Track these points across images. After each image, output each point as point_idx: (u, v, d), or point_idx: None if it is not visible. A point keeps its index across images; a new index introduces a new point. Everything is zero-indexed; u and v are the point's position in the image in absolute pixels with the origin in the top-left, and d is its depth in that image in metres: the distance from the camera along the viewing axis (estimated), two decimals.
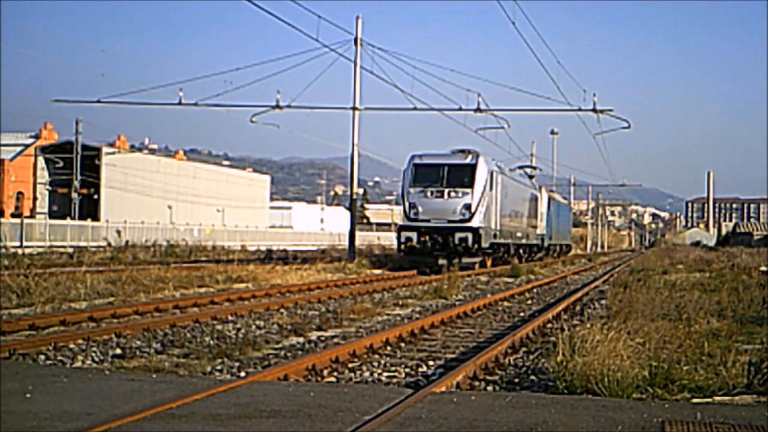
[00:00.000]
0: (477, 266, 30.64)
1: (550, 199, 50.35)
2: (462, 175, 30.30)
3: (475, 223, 29.92)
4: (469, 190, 30.03)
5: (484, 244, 30.35)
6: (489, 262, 32.89)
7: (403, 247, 30.50)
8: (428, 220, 29.87)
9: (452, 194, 30.01)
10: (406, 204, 30.40)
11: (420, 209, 29.97)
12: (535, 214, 44.06)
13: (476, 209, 29.98)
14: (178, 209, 67.42)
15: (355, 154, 34.51)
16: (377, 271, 29.57)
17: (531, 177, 50.12)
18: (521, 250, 39.57)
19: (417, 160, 30.91)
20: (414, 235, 29.83)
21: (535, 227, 43.97)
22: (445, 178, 30.13)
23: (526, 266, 33.90)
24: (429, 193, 30.05)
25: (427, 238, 29.71)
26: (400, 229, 30.85)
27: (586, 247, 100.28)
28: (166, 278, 19.41)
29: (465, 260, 29.89)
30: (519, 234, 38.40)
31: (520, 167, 48.90)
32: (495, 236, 32.24)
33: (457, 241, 29.57)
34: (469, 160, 30.79)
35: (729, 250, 54.68)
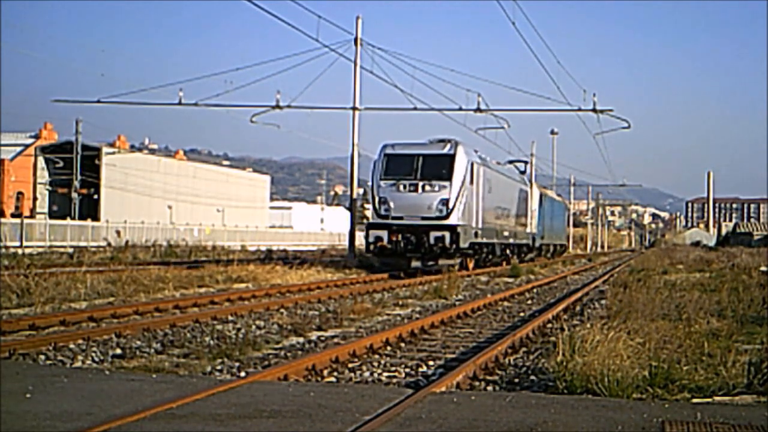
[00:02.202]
0: (456, 269, 27.27)
1: (542, 195, 47.39)
2: (439, 167, 27.25)
3: (452, 220, 26.97)
4: (446, 184, 26.99)
5: (463, 244, 27.37)
6: (471, 264, 29.96)
7: (372, 247, 27.26)
8: (401, 217, 26.85)
9: (427, 188, 26.95)
10: (376, 199, 27.35)
11: (391, 205, 26.94)
12: (525, 211, 41.00)
13: (454, 205, 27.01)
14: (178, 209, 67.43)
15: (355, 154, 34.48)
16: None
17: (522, 172, 45.99)
18: (508, 251, 36.65)
19: (389, 150, 27.88)
20: (384, 234, 26.77)
21: (524, 225, 40.96)
22: (420, 170, 27.12)
23: (526, 266, 33.71)
24: (402, 187, 26.98)
25: (400, 237, 26.67)
26: (369, 227, 27.71)
27: (586, 247, 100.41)
28: (166, 278, 19.42)
29: (442, 262, 26.94)
30: (506, 233, 35.54)
31: (511, 162, 45.02)
32: (476, 235, 29.35)
33: (432, 241, 26.58)
34: (446, 149, 27.67)
35: (729, 250, 54.71)
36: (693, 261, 38.48)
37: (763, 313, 13.97)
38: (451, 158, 27.49)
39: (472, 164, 28.49)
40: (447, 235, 26.67)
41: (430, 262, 27.01)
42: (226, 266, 24.13)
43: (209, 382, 7.83)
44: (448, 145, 27.92)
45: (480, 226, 29.81)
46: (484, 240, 30.93)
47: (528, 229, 42.05)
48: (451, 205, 26.98)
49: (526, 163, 48.47)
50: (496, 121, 36.88)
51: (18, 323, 11.97)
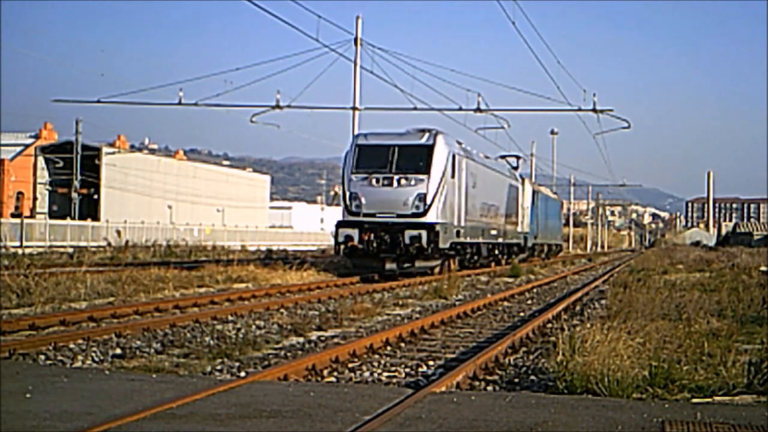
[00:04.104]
0: (436, 271, 25.23)
1: (534, 192, 44.74)
2: (416, 159, 24.67)
3: (430, 217, 24.35)
4: (424, 177, 24.39)
5: (443, 244, 24.70)
6: (454, 266, 26.85)
7: (342, 247, 24.73)
8: (373, 215, 24.33)
9: (403, 182, 24.37)
10: (346, 194, 24.89)
11: (363, 200, 24.45)
12: (515, 208, 38.61)
13: (433, 201, 24.39)
14: (178, 209, 67.45)
15: None
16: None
17: (515, 168, 42.69)
18: (497, 251, 34.31)
19: (361, 140, 25.48)
20: (355, 233, 24.24)
21: (515, 224, 38.53)
22: (395, 162, 24.55)
23: (526, 266, 33.72)
24: (375, 181, 24.49)
25: (372, 236, 24.16)
26: (338, 225, 25.02)
27: (586, 247, 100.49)
28: (166, 278, 19.42)
29: (419, 264, 24.65)
30: (493, 232, 33.16)
31: (502, 157, 42.53)
32: (458, 234, 26.75)
33: (408, 241, 23.93)
34: (425, 140, 25.02)
35: (729, 250, 54.69)
36: (693, 261, 38.49)
37: (763, 313, 13.97)
38: (429, 149, 24.90)
39: (453, 156, 25.98)
40: (424, 234, 24.08)
41: (406, 264, 24.67)
42: (226, 266, 24.12)
43: (209, 382, 7.83)
44: (427, 135, 25.33)
45: (463, 224, 27.37)
46: (468, 239, 28.58)
47: (519, 228, 39.73)
48: (429, 201, 24.42)
49: (518, 158, 45.05)
50: (496, 121, 36.83)
51: (18, 323, 11.97)
